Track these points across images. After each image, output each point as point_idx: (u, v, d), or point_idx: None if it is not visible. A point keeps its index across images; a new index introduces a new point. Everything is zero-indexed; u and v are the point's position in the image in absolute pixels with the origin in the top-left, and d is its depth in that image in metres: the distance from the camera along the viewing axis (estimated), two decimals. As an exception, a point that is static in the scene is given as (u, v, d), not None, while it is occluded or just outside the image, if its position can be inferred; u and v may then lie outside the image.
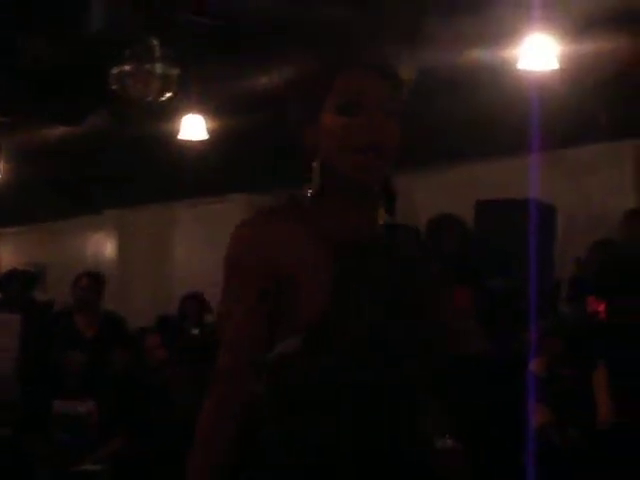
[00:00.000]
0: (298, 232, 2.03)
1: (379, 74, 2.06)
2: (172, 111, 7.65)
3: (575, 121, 7.24)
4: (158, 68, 6.17)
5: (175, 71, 6.28)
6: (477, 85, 6.55)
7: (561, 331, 5.83)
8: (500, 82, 6.23)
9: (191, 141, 8.15)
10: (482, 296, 6.18)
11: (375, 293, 2.02)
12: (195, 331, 7.97)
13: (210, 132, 8.01)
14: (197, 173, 9.26)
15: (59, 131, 8.60)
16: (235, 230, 2.08)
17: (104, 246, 12.12)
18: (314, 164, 2.07)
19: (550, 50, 5.79)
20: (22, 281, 8.69)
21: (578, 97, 6.72)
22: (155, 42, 6.17)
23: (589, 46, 6.14)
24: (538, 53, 5.76)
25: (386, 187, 2.10)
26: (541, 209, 7.48)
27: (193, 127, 7.90)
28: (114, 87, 6.25)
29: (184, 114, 7.82)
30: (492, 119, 7.01)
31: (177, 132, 8.02)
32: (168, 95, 6.39)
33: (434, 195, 8.46)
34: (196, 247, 10.89)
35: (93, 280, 7.29)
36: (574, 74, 6.41)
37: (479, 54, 6.02)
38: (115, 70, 6.19)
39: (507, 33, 5.81)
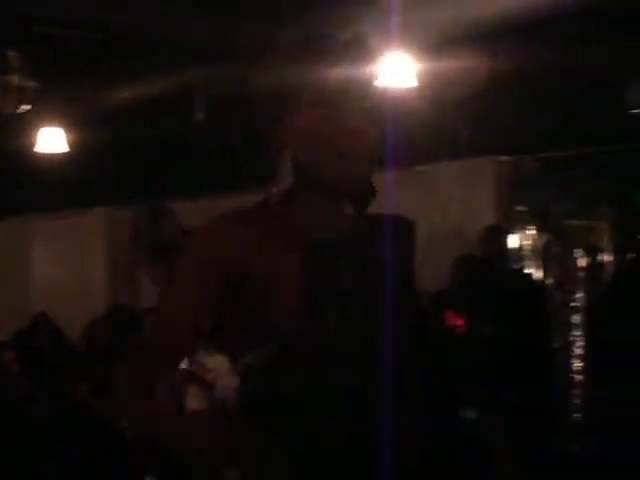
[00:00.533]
0: (265, 233, 1.90)
1: (360, 73, 2.00)
2: (30, 123, 7.51)
3: (435, 137, 7.38)
4: (15, 80, 6.06)
5: (33, 83, 6.18)
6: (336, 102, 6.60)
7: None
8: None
9: (50, 154, 8.00)
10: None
11: (351, 296, 1.90)
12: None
13: (71, 145, 7.89)
14: (57, 186, 9.11)
15: None
16: (195, 231, 2.02)
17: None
18: (284, 160, 1.91)
19: (408, 67, 5.90)
20: None
21: (437, 114, 6.86)
22: (13, 54, 6.07)
23: (447, 64, 6.26)
24: (396, 70, 5.85)
25: (367, 189, 1.97)
26: (401, 224, 7.61)
27: (52, 140, 7.76)
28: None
29: (43, 126, 7.69)
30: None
31: (35, 145, 7.87)
32: (25, 107, 6.28)
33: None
34: (55, 261, 10.67)
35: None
36: (433, 91, 6.54)
37: (337, 72, 6.06)
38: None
39: (366, 50, 5.86)
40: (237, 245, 1.88)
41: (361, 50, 2.05)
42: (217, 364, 5.84)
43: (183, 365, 5.37)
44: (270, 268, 1.86)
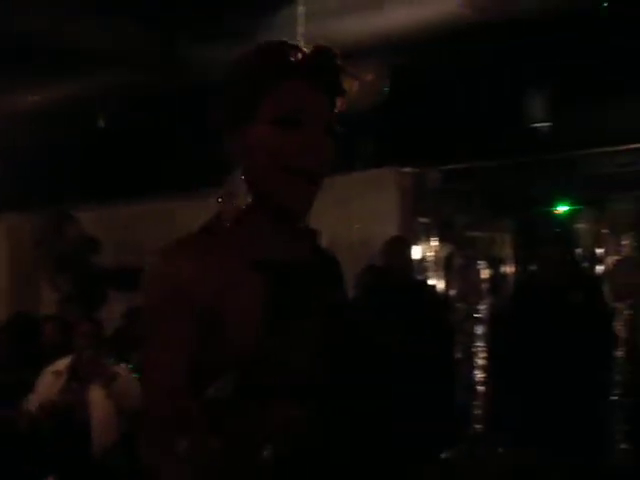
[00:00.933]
0: (217, 259, 1.81)
1: (321, 87, 1.87)
2: None
3: (338, 148, 7.39)
4: None
5: None
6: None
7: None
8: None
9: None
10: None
11: (309, 322, 1.86)
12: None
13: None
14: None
15: None
16: (148, 268, 1.85)
17: None
18: (236, 177, 1.87)
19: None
20: None
21: (341, 125, 6.85)
22: None
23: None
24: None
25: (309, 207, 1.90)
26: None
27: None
28: None
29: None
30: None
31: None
32: None
33: (202, 219, 8.43)
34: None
35: None
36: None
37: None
38: None
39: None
40: (206, 275, 1.79)
41: (323, 64, 1.90)
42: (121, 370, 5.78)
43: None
44: (222, 297, 1.78)
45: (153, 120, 7.77)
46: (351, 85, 1.91)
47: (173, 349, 1.77)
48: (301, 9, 5.26)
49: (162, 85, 6.64)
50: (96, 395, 5.68)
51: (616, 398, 7.04)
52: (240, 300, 1.79)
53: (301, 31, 5.34)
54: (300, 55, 1.88)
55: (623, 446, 6.85)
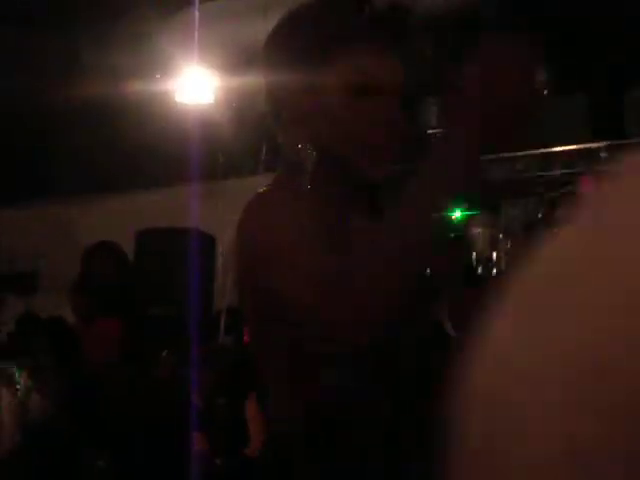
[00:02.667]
0: (303, 225, 1.62)
1: (395, 52, 1.69)
2: None
3: (236, 152, 7.38)
4: None
5: None
6: (136, 116, 6.54)
7: (216, 361, 5.91)
8: (158, 114, 6.25)
9: None
10: (136, 325, 6.15)
11: None
12: None
13: None
14: None
15: None
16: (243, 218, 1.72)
17: None
18: (301, 147, 1.66)
19: (207, 83, 5.86)
20: None
21: (237, 130, 6.86)
22: None
23: (247, 80, 6.26)
24: (195, 86, 5.82)
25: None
26: (201, 239, 7.57)
27: None
28: None
29: None
30: (153, 150, 7.02)
31: None
32: None
33: (96, 224, 8.34)
34: None
35: None
36: (232, 107, 6.54)
37: (138, 86, 6.00)
38: None
39: (165, 66, 5.83)
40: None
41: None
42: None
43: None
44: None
45: (43, 124, 7.65)
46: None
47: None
48: (196, 13, 5.22)
49: (53, 90, 6.55)
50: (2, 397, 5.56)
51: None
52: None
53: (197, 35, 5.31)
54: (376, 13, 1.67)
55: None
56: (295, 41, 1.68)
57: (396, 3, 1.68)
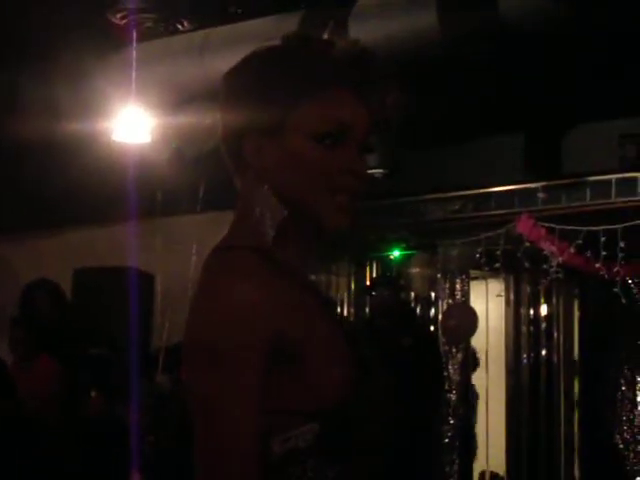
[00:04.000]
0: (289, 287, 1.56)
1: (365, 100, 1.61)
2: None
3: (174, 191, 7.37)
4: None
5: None
6: (73, 154, 6.51)
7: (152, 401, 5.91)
8: (95, 152, 6.23)
9: None
10: (70, 364, 6.11)
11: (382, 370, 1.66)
12: None
13: None
14: None
15: None
16: (225, 283, 1.53)
17: None
18: (263, 192, 1.59)
19: (144, 122, 5.85)
20: None
21: (177, 169, 6.85)
22: None
23: (186, 120, 6.27)
24: (132, 125, 5.80)
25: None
26: (139, 277, 7.53)
27: None
28: None
29: None
30: (89, 188, 6.99)
31: None
32: None
33: (33, 262, 8.26)
34: None
35: None
36: (170, 146, 6.55)
37: (74, 124, 5.98)
38: None
39: (102, 104, 5.82)
40: (278, 307, 1.51)
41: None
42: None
43: None
44: (308, 334, 1.53)
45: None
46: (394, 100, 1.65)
47: (250, 399, 1.47)
48: (134, 52, 5.23)
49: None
50: None
51: (447, 440, 7.21)
52: (321, 340, 1.55)
53: (135, 75, 5.32)
54: (350, 59, 1.62)
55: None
56: (259, 82, 1.62)
57: (364, 48, 1.63)
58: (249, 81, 1.63)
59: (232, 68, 1.68)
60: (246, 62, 1.66)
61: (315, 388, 1.51)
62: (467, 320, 7.09)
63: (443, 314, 7.44)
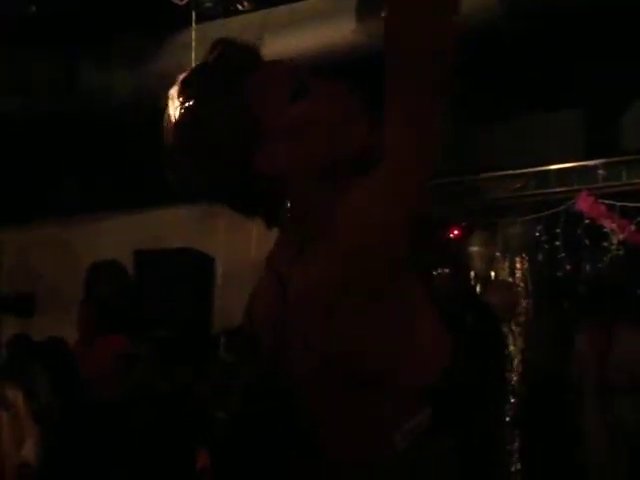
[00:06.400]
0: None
1: None
2: None
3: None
4: None
5: None
6: (133, 137, 6.54)
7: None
8: (155, 135, 6.25)
9: None
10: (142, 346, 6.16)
11: None
12: None
13: None
14: None
15: None
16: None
17: None
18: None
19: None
20: None
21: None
22: None
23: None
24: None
25: None
26: (199, 259, 7.57)
27: None
28: None
29: None
30: (152, 170, 7.02)
31: None
32: None
33: (93, 244, 8.34)
34: None
35: None
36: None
37: (133, 107, 6.02)
38: None
39: (161, 87, 5.83)
40: None
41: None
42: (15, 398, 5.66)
43: None
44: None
45: (43, 145, 7.67)
46: None
47: None
48: (194, 34, 5.25)
49: (59, 111, 6.56)
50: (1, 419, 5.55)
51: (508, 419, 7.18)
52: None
53: (194, 56, 5.33)
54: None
55: (515, 467, 6.98)
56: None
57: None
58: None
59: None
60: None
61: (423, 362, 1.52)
62: (507, 296, 7.05)
63: (485, 291, 7.38)
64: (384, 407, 1.50)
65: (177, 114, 1.66)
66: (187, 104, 1.64)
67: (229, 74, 1.62)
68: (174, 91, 1.68)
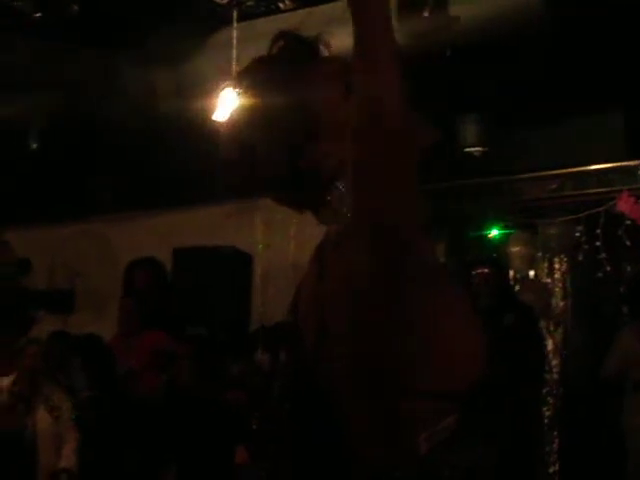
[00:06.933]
0: None
1: None
2: None
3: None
4: None
5: None
6: (176, 135, 6.58)
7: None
8: (197, 132, 6.28)
9: None
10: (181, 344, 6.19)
11: None
12: None
13: None
14: None
15: None
16: None
17: None
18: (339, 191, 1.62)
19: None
20: None
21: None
22: None
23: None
24: (233, 105, 5.82)
25: None
26: (238, 257, 7.59)
27: None
28: None
29: None
30: (190, 168, 7.05)
31: None
32: None
33: (133, 242, 8.37)
34: None
35: None
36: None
37: (175, 106, 6.04)
38: None
39: (202, 85, 5.86)
40: None
41: None
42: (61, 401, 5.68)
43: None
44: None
45: (83, 141, 7.72)
46: None
47: None
48: (235, 32, 5.26)
49: (95, 108, 6.61)
50: (43, 419, 5.57)
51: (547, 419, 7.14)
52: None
53: (235, 54, 5.35)
54: None
55: (553, 469, 6.94)
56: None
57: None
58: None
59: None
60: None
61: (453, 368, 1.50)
62: (539, 296, 7.03)
63: (518, 291, 7.34)
64: (410, 410, 1.48)
65: (237, 104, 1.67)
66: (248, 94, 1.65)
67: (290, 67, 1.64)
68: (234, 82, 1.68)
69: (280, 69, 1.66)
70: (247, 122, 1.65)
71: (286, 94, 1.62)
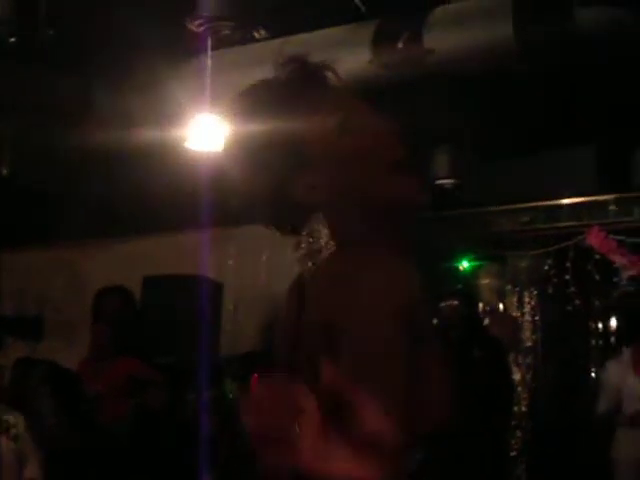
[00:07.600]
0: None
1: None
2: None
3: (245, 200, 7.40)
4: None
5: None
6: (147, 163, 6.56)
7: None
8: (169, 160, 6.27)
9: None
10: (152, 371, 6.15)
11: None
12: None
13: None
14: None
15: None
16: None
17: None
18: (317, 222, 1.64)
19: (217, 130, 5.87)
20: None
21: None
22: None
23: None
24: (206, 133, 5.82)
25: None
26: (208, 285, 7.56)
27: None
28: None
29: None
30: (162, 196, 7.04)
31: None
32: None
33: (102, 269, 8.33)
34: None
35: None
36: (242, 154, 6.56)
37: (147, 133, 6.03)
38: None
39: (176, 112, 5.86)
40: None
41: None
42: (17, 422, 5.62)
43: None
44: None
45: (53, 167, 7.69)
46: None
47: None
48: (209, 61, 5.27)
49: (72, 134, 6.58)
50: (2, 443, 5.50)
51: (515, 453, 7.15)
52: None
53: (208, 82, 5.35)
54: None
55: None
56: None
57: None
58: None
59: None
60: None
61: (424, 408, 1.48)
62: (507, 329, 7.07)
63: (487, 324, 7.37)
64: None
65: (233, 126, 1.72)
66: (245, 117, 1.70)
67: (292, 93, 1.65)
68: (234, 105, 1.68)
69: (281, 95, 1.67)
70: (242, 148, 1.69)
71: (285, 120, 1.63)
